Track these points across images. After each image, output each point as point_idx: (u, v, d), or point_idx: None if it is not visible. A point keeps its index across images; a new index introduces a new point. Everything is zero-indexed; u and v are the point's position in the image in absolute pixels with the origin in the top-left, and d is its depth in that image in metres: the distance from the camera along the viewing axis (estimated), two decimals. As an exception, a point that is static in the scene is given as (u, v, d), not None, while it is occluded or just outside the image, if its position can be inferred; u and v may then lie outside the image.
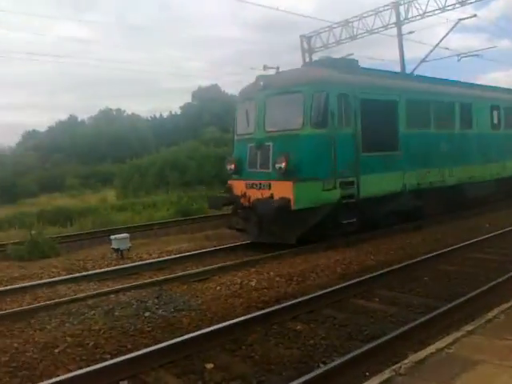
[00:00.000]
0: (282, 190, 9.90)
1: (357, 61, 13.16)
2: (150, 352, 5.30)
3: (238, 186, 11.02)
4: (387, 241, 11.09)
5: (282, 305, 6.69)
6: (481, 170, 15.19)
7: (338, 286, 7.44)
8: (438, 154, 13.50)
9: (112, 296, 7.59)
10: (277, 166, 10.16)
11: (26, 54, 54.59)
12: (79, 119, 62.35)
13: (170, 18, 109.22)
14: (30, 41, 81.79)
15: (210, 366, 5.13)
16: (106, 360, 5.28)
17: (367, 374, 4.73)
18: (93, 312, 6.84)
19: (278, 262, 9.33)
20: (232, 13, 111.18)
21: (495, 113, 16.16)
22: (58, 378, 4.78)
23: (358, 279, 7.78)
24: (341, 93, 10.77)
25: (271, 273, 8.62)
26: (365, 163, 11.15)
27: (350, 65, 12.41)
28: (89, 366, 5.14)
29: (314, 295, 7.04)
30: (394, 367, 4.16)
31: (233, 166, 11.41)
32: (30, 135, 59.71)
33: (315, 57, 26.24)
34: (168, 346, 5.44)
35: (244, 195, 10.67)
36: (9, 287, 8.46)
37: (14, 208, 23.47)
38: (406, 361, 4.23)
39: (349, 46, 26.05)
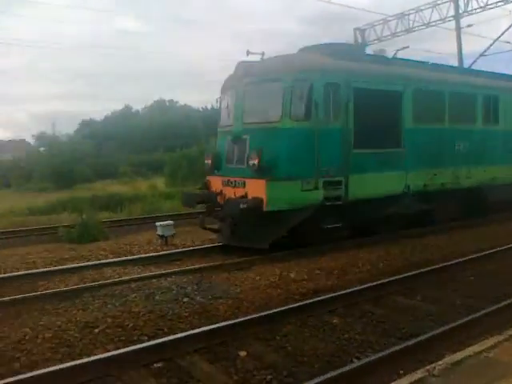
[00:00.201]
0: (256, 189, 8.96)
1: (364, 47, 12.24)
2: (186, 337, 5.40)
3: (216, 183, 10.12)
4: (434, 238, 10.77)
5: (320, 297, 6.64)
6: (507, 172, 13.43)
7: (378, 282, 7.30)
8: (452, 153, 12.00)
9: (154, 280, 7.76)
10: (250, 162, 9.23)
11: (84, 47, 56.41)
12: (133, 109, 63.98)
13: (223, 12, 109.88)
14: (88, 33, 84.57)
15: (243, 353, 5.16)
16: (143, 342, 5.43)
17: (401, 372, 4.62)
18: (134, 295, 7.02)
19: (319, 255, 9.23)
20: (285, 6, 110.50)
21: None
22: (96, 357, 4.96)
23: (400, 276, 7.61)
24: (329, 82, 9.57)
25: (311, 265, 8.55)
26: (357, 161, 9.89)
27: (351, 51, 11.16)
28: (126, 346, 5.31)
29: (353, 289, 6.95)
30: (427, 367, 4.04)
31: (210, 161, 10.43)
32: (87, 124, 61.82)
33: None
34: (203, 332, 5.52)
35: (220, 193, 9.82)
36: (58, 268, 8.83)
37: (70, 193, 24.41)
38: (440, 362, 4.10)
39: (404, 39, 25.39)
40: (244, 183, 9.32)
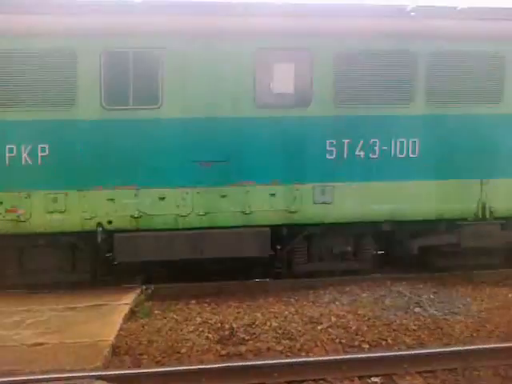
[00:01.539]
0: None
1: None
2: (412, 355, 4.90)
3: None
4: None
5: None
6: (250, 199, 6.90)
7: None
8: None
9: (388, 282, 7.35)
10: None
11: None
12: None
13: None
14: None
15: (476, 388, 4.42)
16: (363, 349, 5.17)
17: None
18: (364, 295, 6.78)
19: None
20: None
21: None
22: (314, 358, 4.92)
23: None
24: None
25: None
26: None
27: None
28: (345, 351, 5.15)
29: None
30: None
31: None
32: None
33: None
34: (432, 352, 4.93)
35: None
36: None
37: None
38: None
39: None
40: None
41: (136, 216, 6.68)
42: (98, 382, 4.18)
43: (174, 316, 6.21)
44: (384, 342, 5.32)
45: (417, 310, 6.19)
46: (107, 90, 6.54)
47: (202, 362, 4.91)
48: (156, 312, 6.40)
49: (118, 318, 5.79)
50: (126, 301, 6.46)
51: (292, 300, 6.77)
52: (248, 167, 6.84)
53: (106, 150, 6.59)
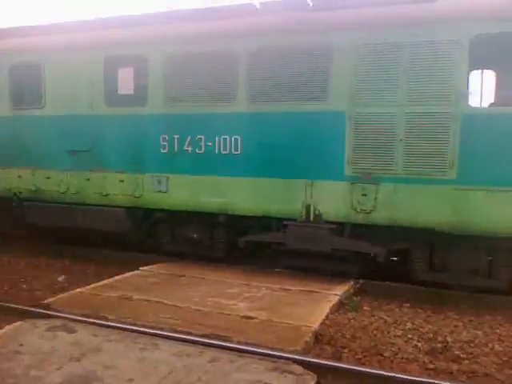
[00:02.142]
0: None
1: None
2: None
3: None
4: None
5: None
6: None
7: None
8: None
9: None
10: None
11: None
12: None
13: None
14: None
15: None
16: None
17: None
18: None
19: None
20: None
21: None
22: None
23: None
24: None
25: None
26: None
27: None
28: None
29: None
30: None
31: None
32: None
33: None
34: None
35: None
36: None
37: None
38: None
39: None
40: None
41: (33, 190, 8.89)
42: (295, 365, 4.21)
43: (384, 316, 5.91)
44: None
45: None
46: (13, 95, 8.91)
47: (404, 372, 4.51)
48: (365, 308, 6.21)
49: (325, 307, 5.79)
50: (336, 291, 6.43)
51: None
52: (104, 157, 8.24)
53: (14, 140, 8.96)
